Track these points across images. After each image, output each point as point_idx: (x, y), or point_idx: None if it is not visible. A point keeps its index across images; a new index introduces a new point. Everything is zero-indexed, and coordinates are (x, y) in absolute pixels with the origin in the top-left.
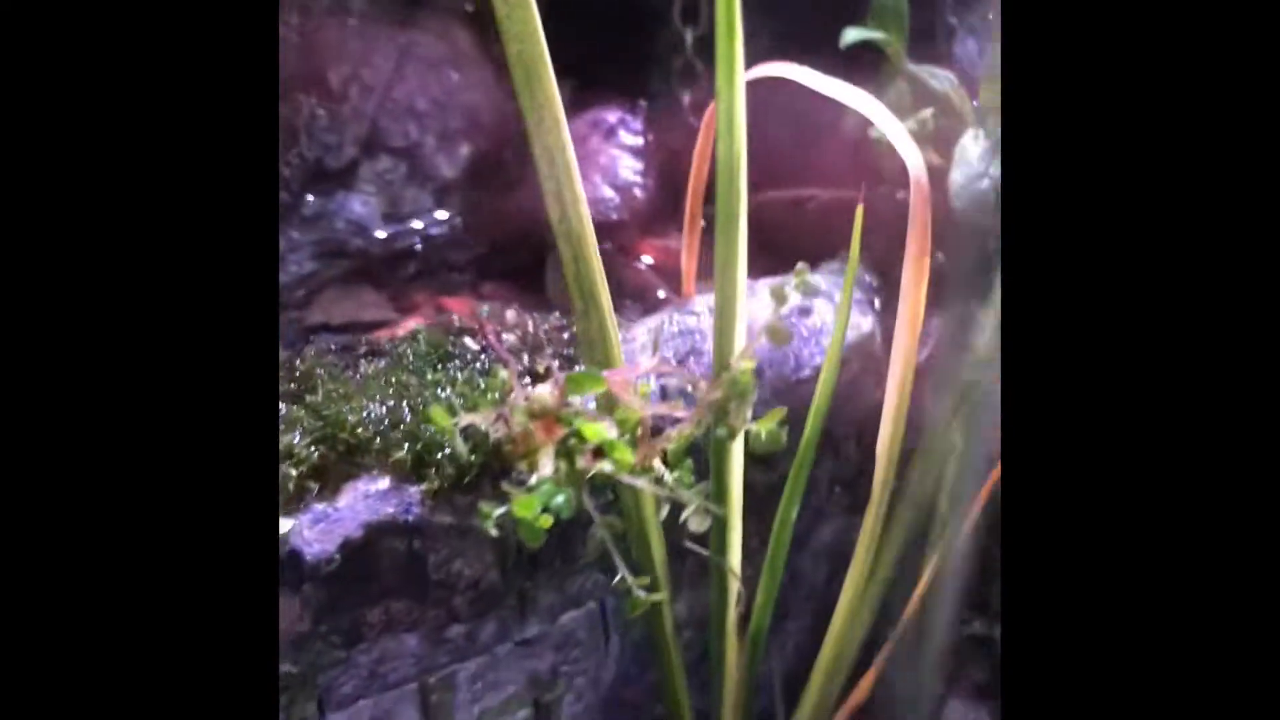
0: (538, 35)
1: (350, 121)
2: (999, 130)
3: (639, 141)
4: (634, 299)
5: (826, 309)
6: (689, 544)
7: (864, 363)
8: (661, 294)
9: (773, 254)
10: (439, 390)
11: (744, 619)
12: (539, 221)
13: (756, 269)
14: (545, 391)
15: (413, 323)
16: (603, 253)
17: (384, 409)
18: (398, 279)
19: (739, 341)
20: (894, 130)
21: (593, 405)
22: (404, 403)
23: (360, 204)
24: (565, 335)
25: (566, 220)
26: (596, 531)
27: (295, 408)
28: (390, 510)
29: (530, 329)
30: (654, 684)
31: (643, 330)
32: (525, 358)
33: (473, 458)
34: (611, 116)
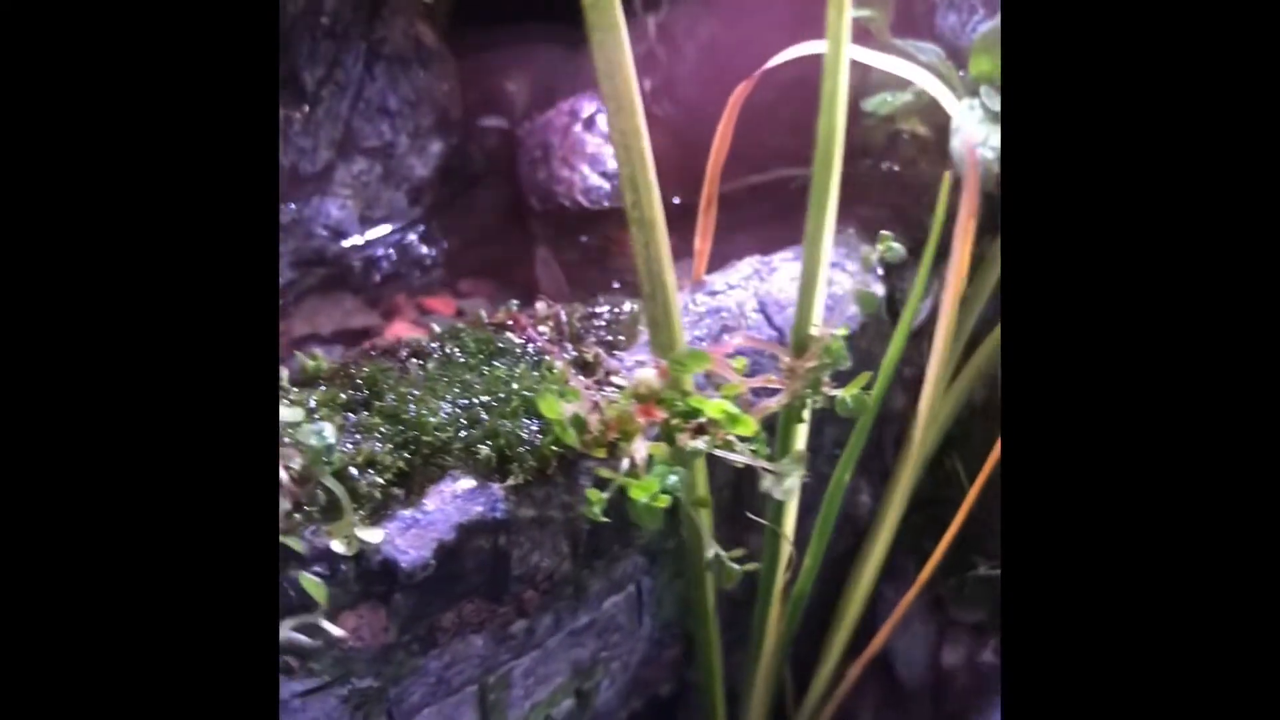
0: (620, 27)
1: (325, 123)
2: (998, 100)
3: None
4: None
5: (844, 279)
6: (749, 514)
7: (878, 328)
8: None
9: (751, 233)
10: (507, 384)
11: (788, 584)
12: (511, 214)
13: (738, 250)
14: (650, 375)
15: (399, 327)
16: (597, 242)
17: (458, 408)
18: (372, 282)
19: (818, 312)
20: (951, 104)
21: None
22: (478, 400)
23: (337, 208)
24: (597, 322)
25: (639, 207)
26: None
27: (367, 415)
28: (479, 509)
29: (563, 319)
30: (680, 656)
31: None
32: (569, 348)
33: (554, 449)
34: (588, 106)
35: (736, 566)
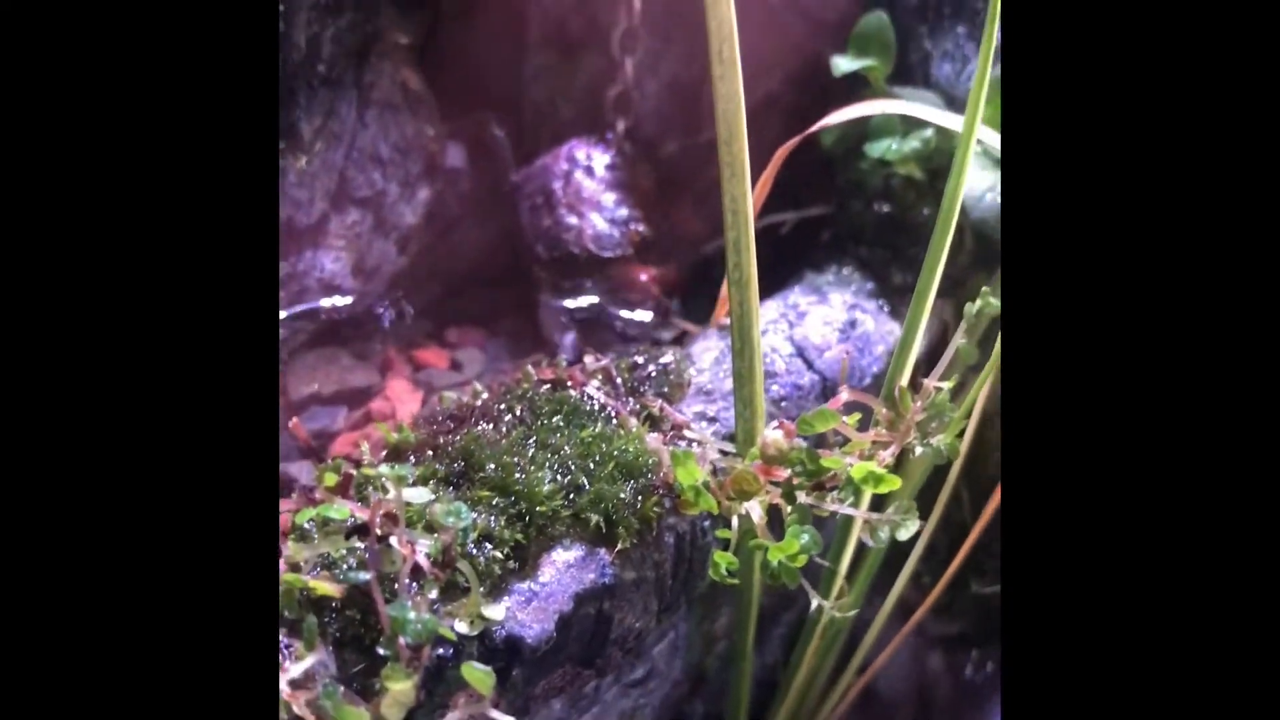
0: (740, 99)
1: (320, 175)
2: (999, 147)
3: (618, 175)
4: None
5: (867, 319)
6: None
7: None
8: (679, 322)
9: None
10: (597, 446)
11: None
12: (494, 259)
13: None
14: (778, 436)
15: (396, 383)
16: (608, 288)
17: (562, 475)
18: (360, 335)
19: (910, 364)
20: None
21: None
22: (579, 465)
23: (331, 260)
24: (640, 373)
25: (740, 268)
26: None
27: (473, 489)
28: (591, 576)
29: (615, 373)
30: (687, 693)
31: (705, 358)
32: (630, 402)
33: (654, 510)
34: (581, 152)
35: (837, 613)
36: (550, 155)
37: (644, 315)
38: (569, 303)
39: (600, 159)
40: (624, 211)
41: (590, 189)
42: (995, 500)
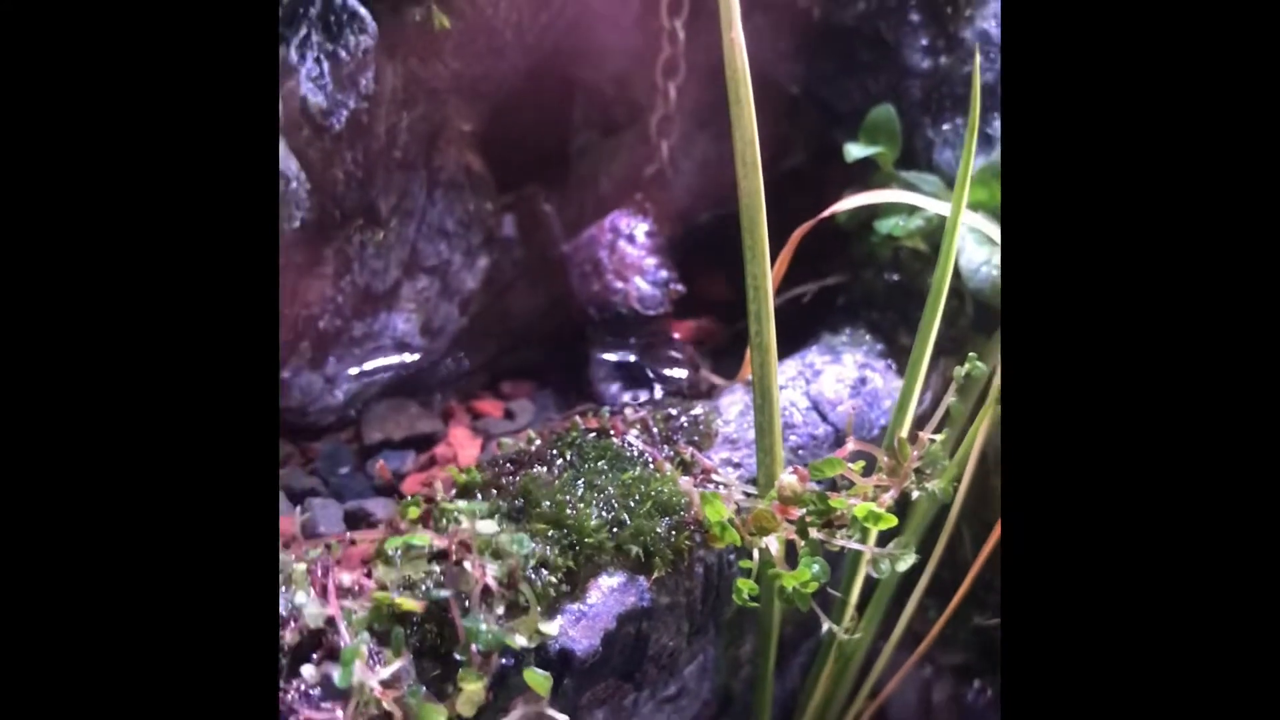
0: (760, 194)
1: (395, 247)
2: (995, 226)
3: (656, 241)
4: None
5: (876, 377)
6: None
7: None
8: (708, 375)
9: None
10: (638, 487)
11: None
12: (545, 321)
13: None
14: (793, 480)
15: (458, 430)
16: (648, 343)
17: (606, 512)
18: (425, 386)
19: (909, 418)
20: (987, 233)
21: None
22: (621, 503)
23: (403, 321)
24: (674, 423)
25: (761, 334)
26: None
27: (531, 522)
28: (632, 599)
29: (651, 424)
30: (715, 714)
31: (731, 411)
32: (665, 449)
33: (686, 543)
34: (623, 222)
35: (848, 636)
36: (595, 226)
37: (679, 372)
38: (612, 356)
39: (640, 227)
40: (664, 274)
41: (633, 255)
42: (994, 539)
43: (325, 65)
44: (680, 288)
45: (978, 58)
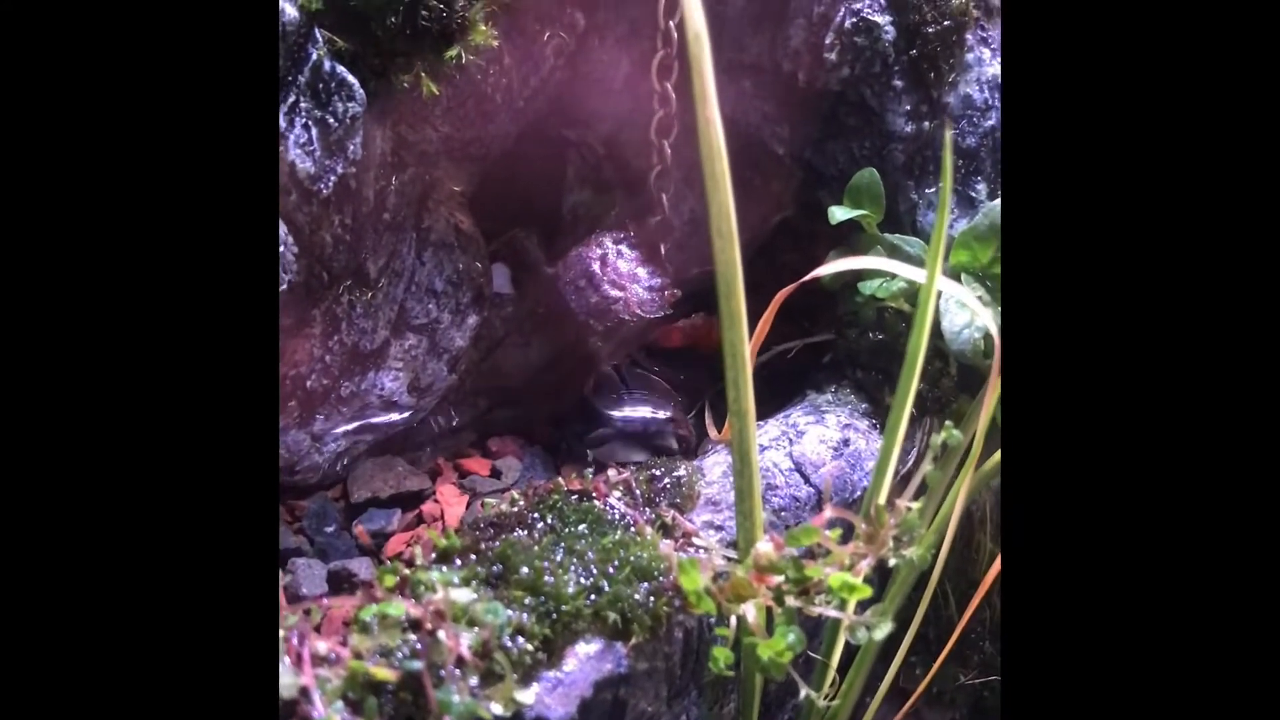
0: (737, 264)
1: (383, 306)
2: (977, 288)
3: (644, 255)
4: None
5: (859, 438)
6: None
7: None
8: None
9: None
10: (616, 553)
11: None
12: (533, 379)
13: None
14: (769, 549)
15: (445, 488)
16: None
17: (585, 578)
18: (413, 443)
19: (886, 484)
20: (964, 300)
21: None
22: (600, 568)
23: (390, 379)
24: (657, 485)
25: (739, 401)
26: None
27: (509, 589)
28: (609, 666)
29: (634, 485)
30: None
31: (714, 471)
32: (647, 511)
33: (665, 609)
34: (609, 238)
35: (819, 699)
36: (582, 244)
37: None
38: (615, 412)
39: (627, 251)
40: (659, 279)
41: (625, 266)
42: (977, 598)
43: (314, 132)
44: (676, 291)
45: (948, 132)
